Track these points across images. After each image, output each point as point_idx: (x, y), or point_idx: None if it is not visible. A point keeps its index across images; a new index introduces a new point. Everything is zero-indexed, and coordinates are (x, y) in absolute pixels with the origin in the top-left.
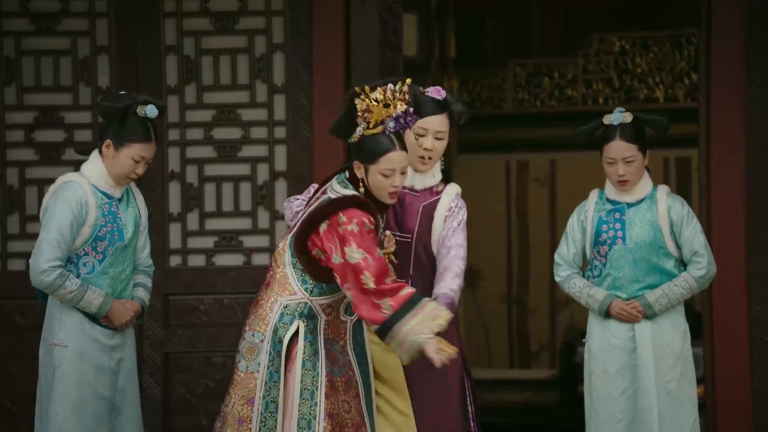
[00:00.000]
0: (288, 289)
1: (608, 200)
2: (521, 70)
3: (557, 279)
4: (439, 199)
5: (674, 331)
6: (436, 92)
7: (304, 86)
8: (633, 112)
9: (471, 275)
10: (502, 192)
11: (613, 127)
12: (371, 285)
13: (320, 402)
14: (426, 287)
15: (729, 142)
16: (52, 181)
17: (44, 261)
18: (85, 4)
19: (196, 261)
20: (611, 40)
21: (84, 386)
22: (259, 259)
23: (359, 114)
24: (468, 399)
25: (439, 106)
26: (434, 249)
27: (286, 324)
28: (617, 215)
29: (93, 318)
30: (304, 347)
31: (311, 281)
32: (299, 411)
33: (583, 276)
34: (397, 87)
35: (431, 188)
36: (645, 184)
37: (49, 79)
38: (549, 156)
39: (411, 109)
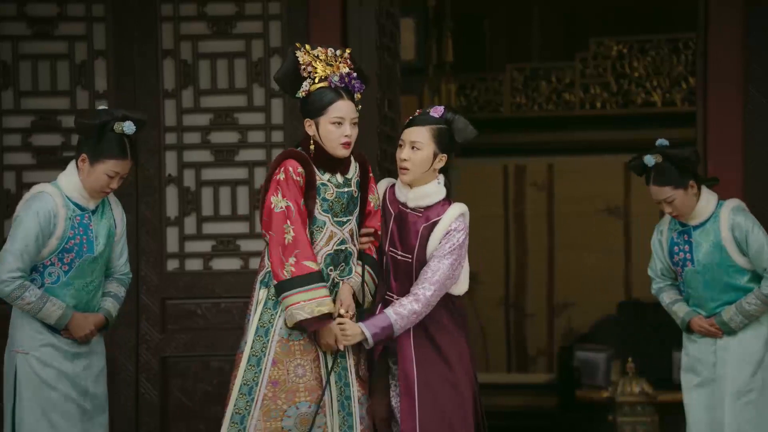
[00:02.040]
0: (263, 262)
1: (678, 222)
2: (519, 74)
3: (652, 292)
4: (439, 220)
5: (755, 340)
6: (434, 111)
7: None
8: (662, 151)
9: (468, 279)
10: (499, 196)
11: (649, 169)
12: (291, 235)
13: (265, 369)
14: None
15: (727, 146)
16: None
17: (5, 271)
18: (82, 9)
19: (194, 265)
20: (609, 44)
21: (49, 390)
22: (256, 263)
23: (302, 66)
24: (478, 405)
25: (425, 120)
26: None
27: (256, 294)
28: (685, 237)
29: (53, 327)
30: (261, 314)
31: None
32: (243, 377)
33: (677, 287)
34: (338, 52)
35: (434, 208)
36: (706, 206)
37: (46, 83)
38: (547, 160)
39: (355, 74)
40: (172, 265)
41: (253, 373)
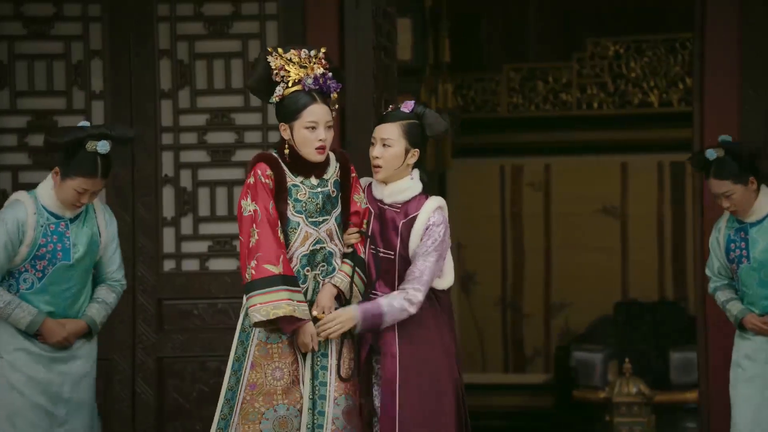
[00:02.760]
0: None
1: (735, 219)
2: (516, 74)
3: (708, 291)
4: (417, 215)
5: None
6: (404, 106)
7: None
8: (723, 145)
9: (465, 279)
10: (496, 196)
11: (710, 163)
12: (255, 239)
13: (245, 372)
14: None
15: None
16: None
17: None
18: (78, 8)
19: (190, 265)
20: (606, 44)
21: (16, 395)
22: None
23: (275, 72)
24: (461, 404)
25: (395, 116)
26: None
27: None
28: (742, 234)
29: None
30: (243, 319)
31: None
32: (228, 383)
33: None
34: (312, 53)
35: (411, 203)
36: (764, 203)
37: (42, 83)
38: (544, 160)
39: (330, 74)
40: (168, 265)
41: (236, 378)
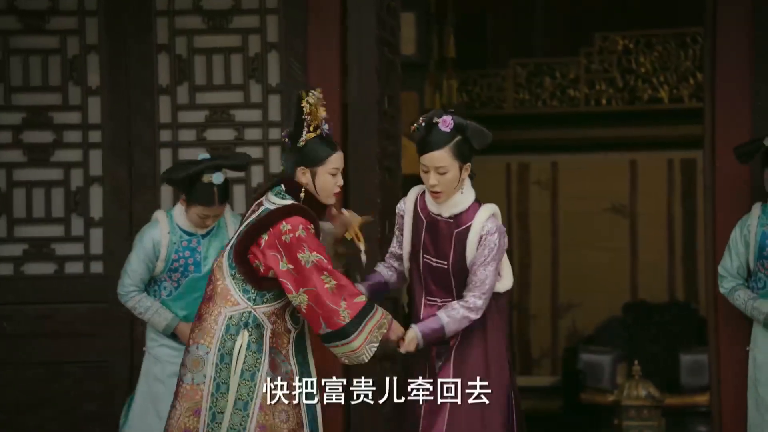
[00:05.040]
0: (230, 300)
1: None
2: (522, 70)
3: (721, 290)
4: (470, 225)
5: None
6: (443, 124)
7: (300, 86)
8: None
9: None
10: (502, 194)
11: None
12: (333, 283)
13: (253, 413)
14: None
15: (734, 143)
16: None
17: (122, 287)
18: (74, 2)
19: None
20: (614, 38)
21: (159, 385)
22: None
23: (305, 117)
24: (512, 410)
25: (441, 140)
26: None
27: (233, 335)
28: None
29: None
30: (246, 357)
31: (253, 290)
32: (230, 421)
33: (748, 287)
34: (317, 93)
35: (465, 212)
36: None
37: (37, 78)
38: (550, 158)
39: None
40: None
41: (240, 417)
